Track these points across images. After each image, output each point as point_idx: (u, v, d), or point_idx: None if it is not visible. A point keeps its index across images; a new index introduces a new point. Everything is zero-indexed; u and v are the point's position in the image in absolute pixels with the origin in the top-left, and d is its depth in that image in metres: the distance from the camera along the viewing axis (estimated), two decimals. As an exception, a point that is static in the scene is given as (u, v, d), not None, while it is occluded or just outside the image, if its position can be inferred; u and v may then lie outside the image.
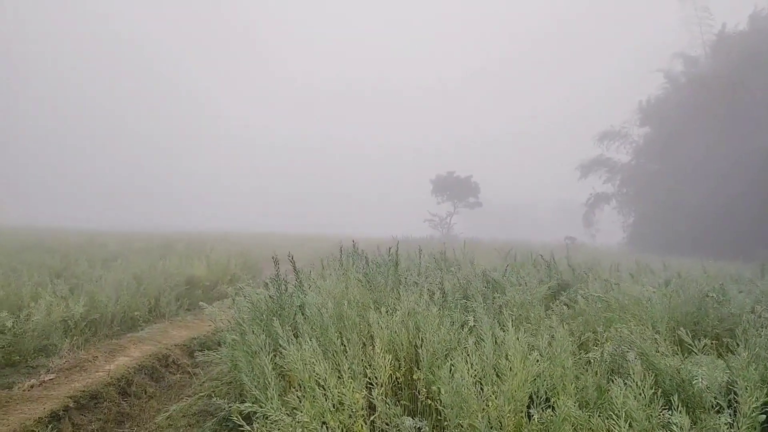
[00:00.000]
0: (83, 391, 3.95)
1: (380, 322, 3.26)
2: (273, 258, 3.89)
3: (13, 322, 4.91)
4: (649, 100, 34.16)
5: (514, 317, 3.86)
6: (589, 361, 2.95)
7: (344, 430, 2.51)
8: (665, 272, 7.59)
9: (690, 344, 2.95)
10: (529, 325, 3.71)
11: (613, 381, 2.43)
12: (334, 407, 2.53)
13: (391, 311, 3.61)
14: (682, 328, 3.04)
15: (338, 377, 2.69)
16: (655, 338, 3.16)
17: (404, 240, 24.74)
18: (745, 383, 2.25)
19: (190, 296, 8.21)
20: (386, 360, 2.77)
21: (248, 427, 2.42)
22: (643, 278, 6.27)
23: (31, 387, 4.05)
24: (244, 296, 4.03)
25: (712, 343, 3.33)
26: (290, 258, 3.91)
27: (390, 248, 5.51)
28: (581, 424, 2.34)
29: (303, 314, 3.63)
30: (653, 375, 2.56)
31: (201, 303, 4.51)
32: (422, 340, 3.03)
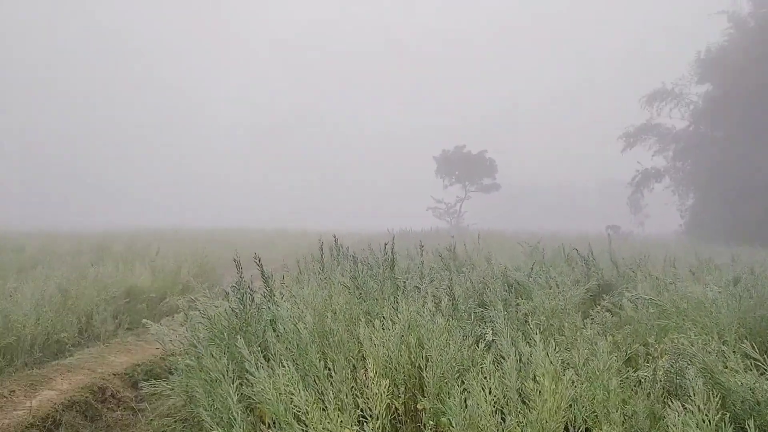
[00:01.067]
0: (-3, 436, 3.94)
1: (374, 339, 3.26)
2: (235, 260, 3.88)
3: None
4: (708, 51, 34.09)
5: (543, 328, 3.88)
6: (639, 380, 2.97)
7: (331, 475, 2.52)
8: (734, 267, 7.64)
9: (757, 360, 2.97)
10: (563, 337, 3.72)
11: (669, 405, 2.45)
12: (317, 447, 2.54)
13: (387, 324, 3.62)
14: (746, 341, 3.06)
15: (322, 409, 2.70)
16: (722, 350, 3.18)
17: (402, 234, 24.75)
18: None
19: (131, 312, 8.19)
20: (382, 386, 2.77)
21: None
22: (705, 275, 6.31)
23: (-69, 432, 4.04)
24: (200, 310, 4.02)
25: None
26: (257, 260, 3.90)
27: (385, 244, 5.51)
28: (630, 461, 2.35)
29: (275, 331, 3.63)
30: (720, 396, 2.58)
31: (145, 320, 4.51)
32: (427, 359, 3.04)
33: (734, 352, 3.33)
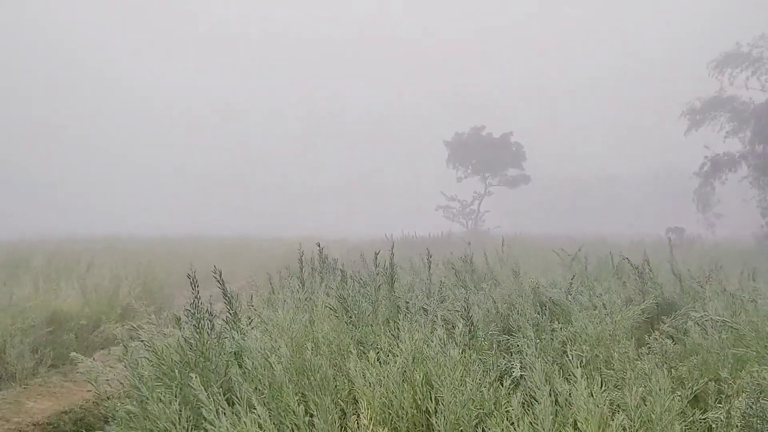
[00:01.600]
0: None
1: (368, 375, 3.26)
2: (189, 276, 3.87)
3: None
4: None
5: (585, 360, 3.88)
6: (709, 426, 2.97)
7: None
8: (830, 280, 7.66)
9: None
10: (611, 371, 3.73)
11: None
12: None
13: (385, 357, 3.62)
14: None
15: (301, 467, 2.70)
16: (815, 386, 3.19)
17: (405, 241, 24.77)
18: None
19: (55, 344, 8.16)
20: (379, 436, 2.78)
21: None
22: (794, 290, 6.32)
23: None
24: (144, 341, 4.01)
25: None
26: (217, 275, 3.89)
27: (376, 254, 5.50)
28: None
29: (241, 366, 3.62)
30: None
31: (74, 355, 4.49)
32: (437, 402, 3.04)
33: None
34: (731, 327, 4.24)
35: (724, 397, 3.42)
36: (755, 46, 35.46)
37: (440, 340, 3.54)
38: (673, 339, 4.61)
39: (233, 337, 3.88)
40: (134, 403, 3.63)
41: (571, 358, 3.52)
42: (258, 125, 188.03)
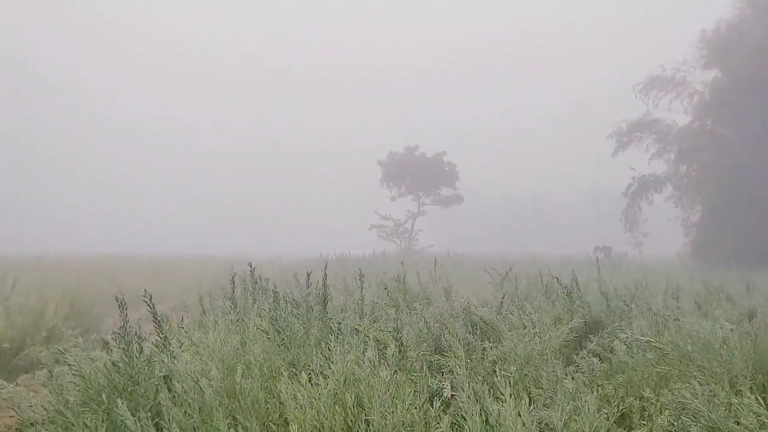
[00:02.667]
0: None
1: (299, 397, 3.25)
2: (117, 298, 3.81)
3: None
4: (717, 30, 35.03)
5: (515, 380, 3.93)
6: (634, 443, 3.04)
7: None
8: (749, 298, 7.90)
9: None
10: (540, 390, 3.79)
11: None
12: None
13: (316, 379, 3.61)
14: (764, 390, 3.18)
15: (231, 492, 2.67)
16: (734, 403, 3.29)
17: (339, 260, 24.73)
18: None
19: (-24, 368, 7.93)
20: (310, 459, 2.77)
21: None
22: (715, 309, 6.52)
23: None
24: (70, 365, 3.92)
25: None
26: (147, 297, 3.83)
27: (308, 273, 5.48)
28: None
29: (170, 390, 3.57)
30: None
31: (-5, 379, 4.36)
32: (368, 423, 3.05)
33: (753, 403, 3.44)
34: (655, 346, 4.35)
35: (648, 414, 3.50)
36: (678, 71, 36.48)
37: (371, 361, 3.55)
38: (600, 357, 4.70)
39: (163, 361, 3.82)
40: (59, 429, 3.55)
41: (501, 378, 3.57)
42: (190, 142, 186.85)
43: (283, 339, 4.34)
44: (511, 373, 3.97)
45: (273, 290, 5.37)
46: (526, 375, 4.10)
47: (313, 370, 3.84)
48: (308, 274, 5.34)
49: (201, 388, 3.33)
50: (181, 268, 28.38)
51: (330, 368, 3.58)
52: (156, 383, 3.67)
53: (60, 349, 4.28)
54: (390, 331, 4.55)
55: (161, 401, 3.39)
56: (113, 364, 3.71)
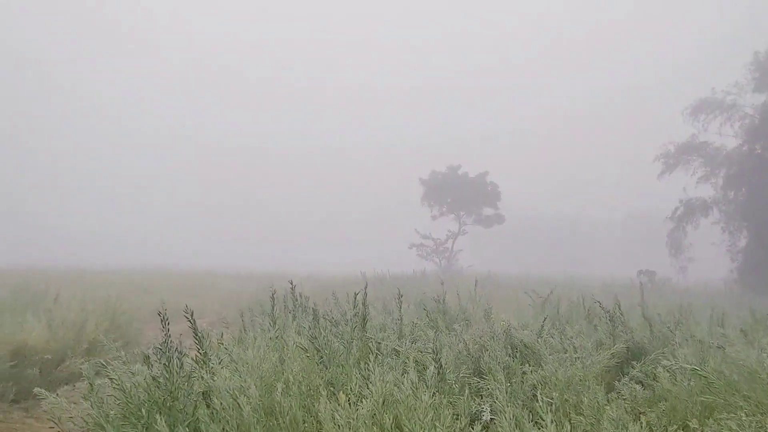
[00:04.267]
0: None
1: (337, 418, 3.25)
2: (160, 314, 3.84)
3: None
4: (770, 52, 34.60)
5: (555, 405, 3.88)
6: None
7: None
8: (799, 326, 7.73)
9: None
10: (581, 417, 3.74)
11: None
12: None
13: (355, 399, 3.60)
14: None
15: None
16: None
17: (378, 279, 24.72)
18: None
19: (18, 378, 8.03)
20: (347, 481, 2.76)
21: None
22: (762, 338, 6.38)
23: None
24: (111, 378, 3.96)
25: None
26: (188, 313, 3.87)
27: (356, 294, 5.50)
28: None
29: (209, 407, 3.59)
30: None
31: (38, 390, 4.42)
32: (407, 446, 3.03)
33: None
34: (700, 374, 4.26)
35: (692, 444, 3.43)
36: (729, 93, 35.91)
37: (411, 383, 3.54)
38: (642, 384, 4.63)
39: (202, 377, 3.84)
40: (99, 442, 3.58)
41: (541, 403, 3.53)
42: (232, 161, 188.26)
43: (321, 357, 4.34)
44: (553, 399, 3.92)
45: (312, 308, 5.39)
46: (566, 401, 4.05)
47: (351, 390, 3.83)
48: (355, 295, 5.36)
49: (239, 405, 3.34)
50: (221, 284, 28.59)
51: (368, 389, 3.57)
52: (195, 399, 3.69)
53: (102, 362, 4.33)
54: (429, 353, 4.53)
55: (199, 417, 3.41)
56: (153, 378, 3.74)
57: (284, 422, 3.37)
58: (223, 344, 4.96)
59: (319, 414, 3.32)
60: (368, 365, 4.12)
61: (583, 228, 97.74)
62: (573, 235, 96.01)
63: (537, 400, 3.86)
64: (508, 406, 3.19)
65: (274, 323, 5.35)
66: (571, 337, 5.59)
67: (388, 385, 3.56)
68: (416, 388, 3.48)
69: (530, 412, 3.64)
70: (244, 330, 6.02)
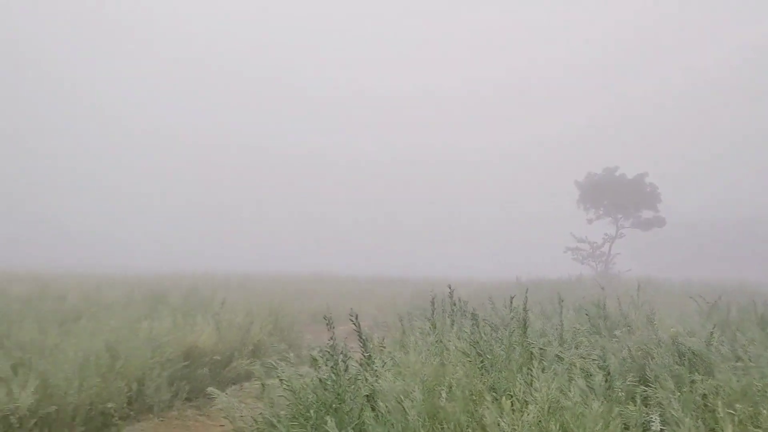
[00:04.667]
0: None
1: (502, 424, 3.21)
2: (326, 318, 3.93)
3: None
4: None
5: (738, 417, 3.67)
6: None
7: None
8: None
9: None
10: (758, 430, 3.52)
11: None
12: None
13: (519, 404, 3.55)
14: None
15: None
16: None
17: (534, 283, 24.33)
18: None
19: (190, 378, 8.42)
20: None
21: None
22: None
23: None
24: (282, 380, 4.09)
25: None
26: (353, 317, 3.93)
27: (512, 297, 5.43)
28: None
29: (374, 409, 3.63)
30: None
31: (211, 389, 4.62)
32: (576, 454, 2.95)
33: None
34: None
35: None
36: None
37: (578, 389, 3.45)
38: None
39: (366, 380, 3.89)
40: (270, 441, 3.70)
41: (721, 413, 3.35)
42: (390, 173, 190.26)
43: (483, 362, 4.30)
44: (736, 411, 3.71)
45: (472, 313, 5.35)
46: (743, 411, 3.83)
47: (515, 396, 3.78)
48: (511, 299, 5.30)
49: (404, 409, 3.35)
50: (376, 289, 28.97)
51: (532, 395, 3.50)
52: (360, 402, 3.74)
53: (273, 363, 4.47)
54: (594, 359, 4.40)
55: (365, 420, 3.45)
56: (320, 381, 3.82)
57: (449, 427, 3.36)
58: (384, 348, 5.01)
59: (484, 419, 3.29)
60: (531, 371, 4.05)
61: (749, 231, 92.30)
62: (738, 239, 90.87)
63: (709, 411, 3.67)
64: (686, 417, 3.04)
65: (434, 327, 5.35)
66: (745, 345, 5.29)
67: (552, 391, 3.49)
68: (585, 396, 3.39)
69: (703, 422, 3.47)
70: (404, 334, 6.06)
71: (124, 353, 7.78)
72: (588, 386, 3.68)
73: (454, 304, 6.27)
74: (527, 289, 5.72)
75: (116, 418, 6.98)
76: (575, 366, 4.21)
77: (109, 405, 6.99)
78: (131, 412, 7.30)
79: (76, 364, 7.01)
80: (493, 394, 3.97)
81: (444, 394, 3.47)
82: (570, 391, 3.43)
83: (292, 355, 4.70)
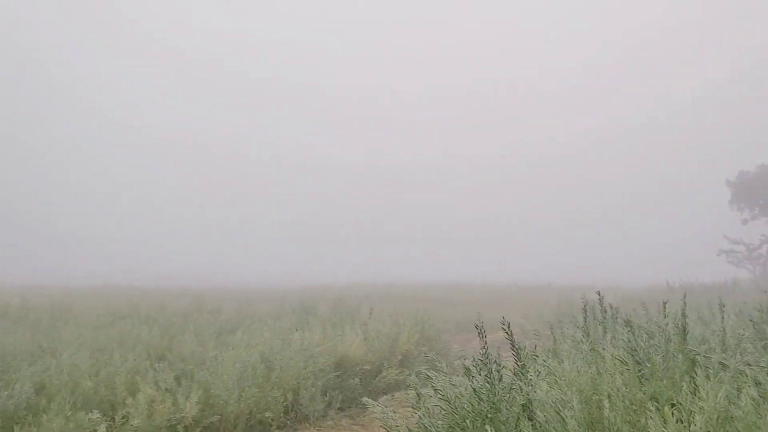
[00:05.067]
0: None
1: (668, 435, 3.09)
2: (477, 326, 3.92)
3: (106, 427, 5.59)
4: None
5: None
6: None
7: None
8: None
9: None
10: None
11: None
12: None
13: (684, 415, 3.41)
14: None
15: None
16: None
17: (686, 288, 23.36)
18: None
19: (342, 387, 8.59)
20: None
21: None
22: None
23: None
24: (434, 388, 4.10)
25: None
26: (505, 325, 3.90)
27: (665, 302, 5.24)
28: None
29: (530, 419, 3.58)
30: None
31: (365, 399, 4.69)
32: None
33: None
34: None
35: None
36: None
37: (751, 399, 3.28)
38: None
39: (522, 389, 3.85)
40: (426, 450, 3.71)
41: None
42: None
43: (641, 371, 4.17)
44: None
45: (626, 319, 5.20)
46: None
47: (679, 405, 3.63)
48: (664, 304, 5.12)
49: (563, 419, 3.29)
50: (518, 296, 28.68)
51: (697, 404, 3.36)
52: (516, 411, 3.70)
53: (422, 372, 4.49)
54: (763, 366, 4.18)
55: (522, 430, 3.41)
56: (475, 390, 3.81)
57: (611, 438, 3.28)
58: (537, 356, 4.94)
59: (648, 429, 3.18)
60: (693, 379, 3.89)
61: None
62: None
63: None
64: None
65: (587, 335, 5.23)
66: None
67: (721, 401, 3.33)
68: (757, 405, 3.22)
69: None
70: (555, 342, 5.96)
71: (279, 364, 8.02)
72: (760, 395, 3.49)
73: (605, 311, 6.11)
74: (685, 293, 5.49)
75: (274, 427, 7.21)
76: (743, 374, 4.01)
77: (267, 414, 7.23)
78: (288, 421, 7.52)
79: (235, 374, 7.29)
80: (655, 403, 3.83)
81: (607, 404, 3.37)
82: (740, 400, 3.26)
83: (443, 364, 4.71)
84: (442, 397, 3.94)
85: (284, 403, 7.63)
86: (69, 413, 6.01)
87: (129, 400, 6.35)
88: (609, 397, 3.68)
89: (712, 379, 3.84)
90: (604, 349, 4.82)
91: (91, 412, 5.74)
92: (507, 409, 3.69)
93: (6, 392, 6.25)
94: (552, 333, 6.17)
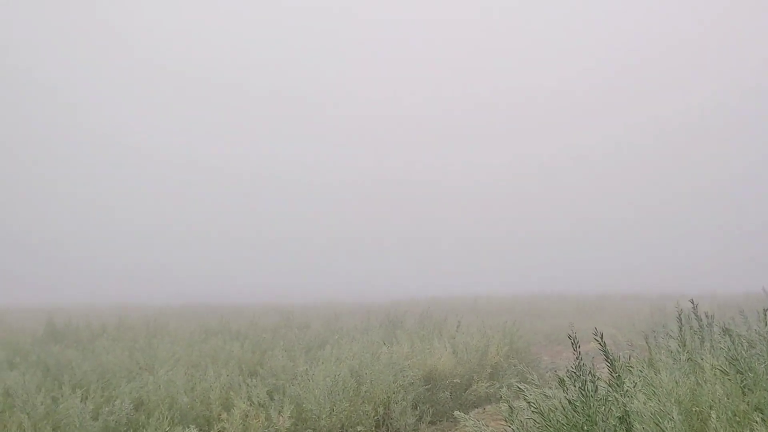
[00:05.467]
0: None
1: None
2: (570, 337, 3.86)
3: (203, 442, 5.73)
4: None
5: None
6: None
7: None
8: None
9: None
10: None
11: None
12: None
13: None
14: None
15: None
16: None
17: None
18: None
19: (432, 401, 8.55)
20: None
21: None
22: None
23: None
24: (527, 401, 4.05)
25: None
26: (598, 336, 3.83)
27: (765, 310, 5.08)
28: None
29: (628, 431, 3.50)
30: None
31: (457, 413, 4.66)
32: None
33: None
34: None
35: None
36: None
37: None
38: None
39: (617, 399, 3.77)
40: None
41: None
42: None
43: (743, 380, 4.03)
44: None
45: (724, 328, 5.05)
46: None
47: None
48: (765, 311, 4.96)
49: (663, 431, 3.21)
50: (606, 307, 28.11)
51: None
52: (613, 423, 3.62)
53: (518, 385, 4.44)
54: None
55: (620, 442, 3.34)
56: (569, 402, 3.75)
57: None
58: (632, 368, 4.84)
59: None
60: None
61: None
62: None
63: None
64: None
65: (684, 345, 5.10)
66: None
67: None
68: None
69: None
70: (650, 352, 5.82)
71: (368, 378, 8.05)
72: None
73: (701, 320, 5.94)
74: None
75: (365, 441, 7.24)
76: None
77: (359, 428, 7.26)
78: (378, 436, 7.54)
79: (326, 389, 7.36)
80: (760, 414, 3.70)
81: (714, 415, 3.27)
82: None
83: (535, 376, 4.66)
84: (535, 410, 3.89)
85: (375, 417, 7.65)
86: (167, 428, 6.20)
87: (224, 415, 6.51)
88: (711, 407, 3.57)
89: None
90: (702, 359, 4.68)
91: (188, 427, 5.89)
92: (603, 421, 3.61)
93: (107, 408, 6.50)
94: (647, 343, 6.04)
